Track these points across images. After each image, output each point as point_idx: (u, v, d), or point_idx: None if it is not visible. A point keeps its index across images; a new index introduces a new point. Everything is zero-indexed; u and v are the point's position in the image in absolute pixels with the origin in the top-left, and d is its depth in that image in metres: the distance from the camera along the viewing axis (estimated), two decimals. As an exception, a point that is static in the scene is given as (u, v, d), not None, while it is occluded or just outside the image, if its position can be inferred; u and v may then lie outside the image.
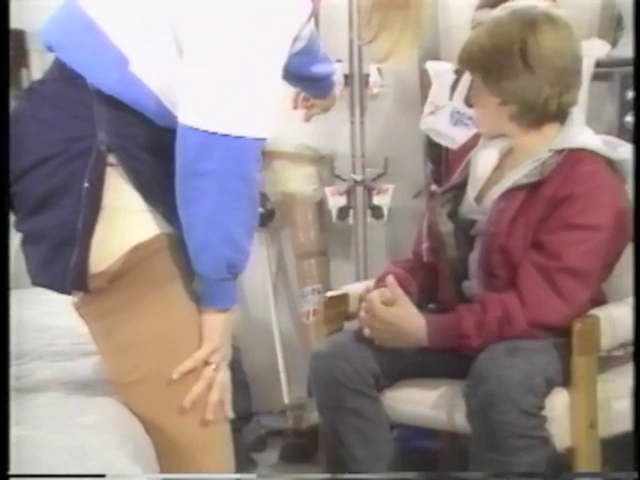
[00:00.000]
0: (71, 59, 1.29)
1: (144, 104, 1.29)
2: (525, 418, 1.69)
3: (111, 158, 1.29)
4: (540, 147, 1.88)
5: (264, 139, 1.26)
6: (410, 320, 1.82)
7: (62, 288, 1.33)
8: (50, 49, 1.34)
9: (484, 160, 1.94)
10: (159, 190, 1.31)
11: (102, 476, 1.23)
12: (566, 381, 1.80)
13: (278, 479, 1.43)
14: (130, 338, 1.33)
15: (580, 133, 1.89)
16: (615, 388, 1.83)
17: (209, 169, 1.23)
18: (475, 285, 1.88)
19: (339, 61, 3.00)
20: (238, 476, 1.42)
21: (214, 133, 1.21)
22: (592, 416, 1.80)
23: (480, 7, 2.88)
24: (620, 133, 2.68)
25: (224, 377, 1.37)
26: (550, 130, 1.90)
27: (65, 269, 1.29)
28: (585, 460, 1.80)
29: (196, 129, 1.22)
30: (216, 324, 1.34)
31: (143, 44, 1.28)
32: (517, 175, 1.86)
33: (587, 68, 2.66)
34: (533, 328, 1.79)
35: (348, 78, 3.01)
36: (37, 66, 2.97)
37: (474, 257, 1.89)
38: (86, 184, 1.27)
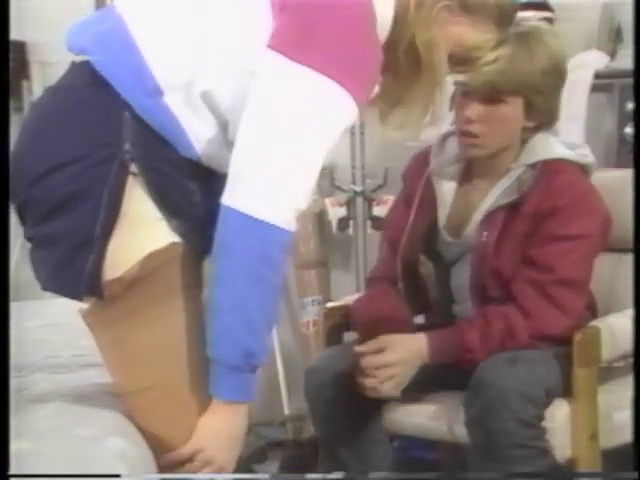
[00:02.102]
0: (109, 74, 1.29)
1: (172, 134, 1.31)
2: (524, 428, 1.69)
3: (133, 167, 1.29)
4: (506, 163, 1.86)
5: (294, 232, 1.28)
6: (411, 347, 1.80)
7: (75, 293, 1.31)
8: (82, 53, 1.32)
9: (448, 188, 1.91)
10: (177, 203, 1.32)
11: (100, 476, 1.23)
12: (567, 392, 1.80)
13: (279, 479, 1.42)
14: (139, 347, 1.32)
15: (548, 143, 1.88)
16: (616, 399, 1.83)
17: (241, 252, 1.24)
18: (469, 307, 1.88)
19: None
20: (239, 476, 1.41)
21: (252, 217, 1.24)
22: (593, 427, 1.80)
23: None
24: (620, 144, 2.70)
25: (204, 472, 1.33)
26: (515, 146, 1.87)
27: (80, 274, 1.28)
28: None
29: (236, 211, 1.24)
30: (212, 422, 1.31)
31: (180, 82, 1.29)
32: (495, 196, 1.85)
33: (586, 79, 2.67)
34: (535, 340, 1.79)
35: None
36: (38, 78, 2.98)
37: (460, 283, 1.88)
38: (107, 190, 1.27)
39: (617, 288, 1.97)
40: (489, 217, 1.84)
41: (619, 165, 2.48)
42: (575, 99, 2.69)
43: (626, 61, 2.51)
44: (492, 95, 1.78)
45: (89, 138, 1.28)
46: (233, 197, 1.26)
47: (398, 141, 2.00)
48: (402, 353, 1.80)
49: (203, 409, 1.36)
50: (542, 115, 1.85)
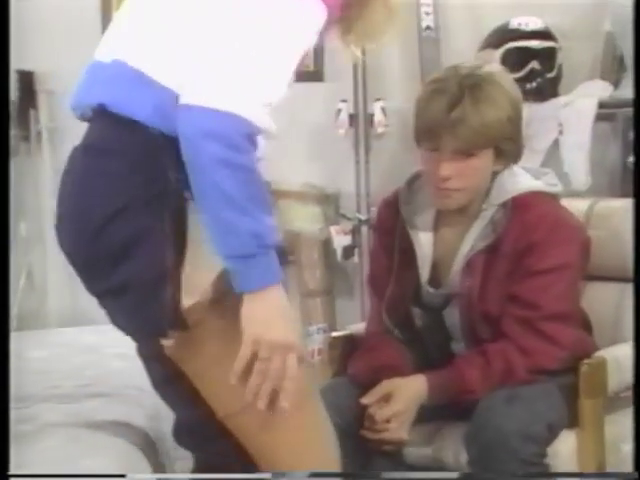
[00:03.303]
0: (131, 110, 1.30)
1: None
2: (526, 467, 1.67)
3: (187, 194, 1.29)
4: (477, 204, 1.83)
5: (259, 128, 1.27)
6: (413, 390, 1.80)
7: (160, 331, 1.29)
8: (102, 108, 1.32)
9: (425, 239, 1.88)
10: None
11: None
12: (572, 423, 1.78)
13: (281, 479, 1.40)
14: (230, 368, 1.30)
15: (515, 178, 1.85)
16: (623, 430, 1.82)
17: (208, 146, 1.23)
18: (464, 348, 1.87)
19: (344, 101, 3.04)
20: (242, 476, 1.39)
21: (214, 109, 1.23)
22: (600, 458, 1.79)
23: (483, 47, 2.91)
24: (624, 174, 2.70)
25: (279, 365, 1.27)
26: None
27: (160, 310, 1.27)
28: (593, 503, 1.78)
29: (198, 106, 1.23)
30: (252, 310, 1.27)
31: (185, 74, 1.30)
32: (471, 241, 1.83)
33: (590, 109, 2.69)
34: (533, 375, 1.78)
35: (353, 118, 3.03)
36: (45, 107, 3.00)
37: (453, 323, 1.86)
38: (170, 222, 1.28)
39: (622, 318, 1.96)
40: (469, 263, 1.82)
41: (623, 194, 2.48)
42: (579, 128, 2.70)
43: (629, 91, 2.52)
44: (464, 151, 1.77)
45: (134, 180, 1.29)
46: (194, 95, 1.24)
47: (403, 169, 2.02)
48: (408, 398, 1.79)
49: (302, 418, 1.36)
50: (511, 157, 1.84)
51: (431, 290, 1.88)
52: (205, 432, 1.41)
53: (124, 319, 1.33)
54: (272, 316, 1.27)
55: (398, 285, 1.91)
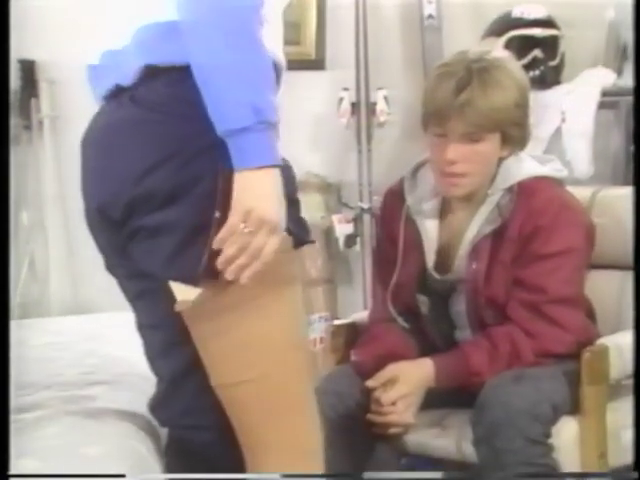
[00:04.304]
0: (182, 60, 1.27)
1: None
2: (531, 446, 1.68)
3: None
4: (482, 190, 1.84)
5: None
6: (420, 373, 1.81)
7: (193, 278, 1.28)
8: (149, 68, 1.30)
9: (431, 226, 1.89)
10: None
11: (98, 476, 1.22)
12: (575, 410, 1.79)
13: (283, 478, 1.40)
14: (247, 336, 1.31)
15: (520, 164, 1.86)
16: (625, 417, 1.82)
17: (207, 15, 1.22)
18: (468, 334, 1.87)
19: (346, 90, 3.03)
20: (245, 476, 1.40)
21: None
22: (602, 446, 1.79)
23: (486, 35, 2.91)
24: (627, 162, 2.70)
25: (261, 243, 1.24)
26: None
27: (198, 258, 1.26)
28: (595, 490, 1.79)
29: None
30: (247, 183, 1.23)
31: None
32: (477, 226, 1.84)
33: (593, 97, 2.68)
34: (540, 358, 1.79)
35: (355, 106, 3.03)
36: (46, 96, 3.00)
37: (458, 310, 1.87)
38: (221, 175, 1.26)
39: (625, 306, 1.96)
40: (475, 248, 1.83)
41: (626, 183, 2.48)
42: (582, 116, 2.70)
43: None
44: (471, 135, 1.78)
45: (183, 130, 1.27)
46: None
47: (405, 158, 2.02)
48: (414, 380, 1.80)
49: (303, 405, 1.36)
50: (517, 144, 1.84)
51: (437, 276, 1.88)
52: (186, 405, 1.40)
53: (159, 260, 1.30)
54: (266, 193, 1.24)
55: (404, 272, 1.91)
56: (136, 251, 1.33)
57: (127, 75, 1.33)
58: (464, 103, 1.74)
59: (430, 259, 1.89)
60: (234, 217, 1.24)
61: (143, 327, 1.47)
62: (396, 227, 1.93)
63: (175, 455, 1.49)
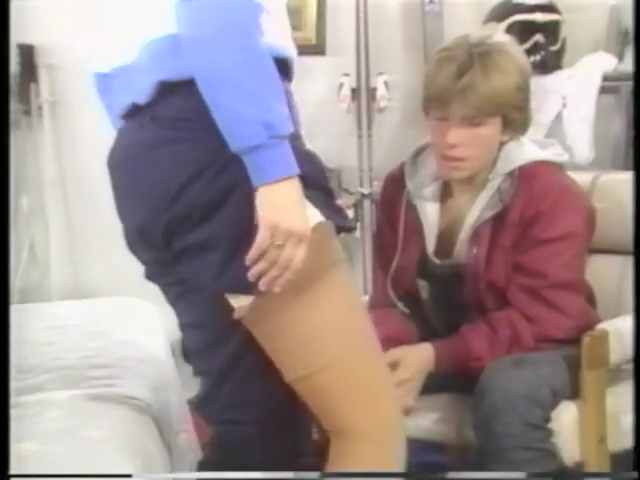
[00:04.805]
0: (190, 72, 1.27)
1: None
2: (530, 430, 1.68)
3: None
4: (483, 175, 1.83)
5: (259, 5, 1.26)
6: (420, 357, 1.80)
7: (243, 288, 1.30)
8: (165, 83, 1.31)
9: (432, 211, 1.89)
10: (313, 175, 1.32)
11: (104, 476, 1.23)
12: (574, 394, 1.79)
13: (285, 478, 1.40)
14: (310, 327, 1.32)
15: (521, 148, 1.86)
16: (625, 402, 1.82)
17: (213, 33, 1.22)
18: (469, 320, 1.87)
19: (346, 75, 3.02)
20: (249, 475, 1.40)
21: None
22: (601, 431, 1.79)
23: (487, 20, 2.90)
24: (628, 147, 2.69)
25: (291, 254, 1.26)
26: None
27: (245, 268, 1.28)
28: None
29: None
30: (269, 199, 1.24)
31: None
32: (478, 210, 1.83)
33: (594, 81, 2.67)
34: (540, 343, 1.79)
35: (355, 92, 3.02)
36: (46, 81, 2.99)
37: (458, 296, 1.87)
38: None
39: (625, 291, 1.96)
40: (476, 232, 1.83)
41: (627, 168, 2.47)
42: (583, 101, 2.69)
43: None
44: (472, 119, 1.77)
45: (208, 144, 1.27)
46: None
47: (405, 143, 2.02)
48: (415, 365, 1.80)
49: (380, 382, 1.38)
50: (518, 128, 1.84)
51: (437, 261, 1.88)
52: (229, 400, 1.41)
53: (209, 275, 1.31)
54: (288, 205, 1.26)
55: (404, 257, 1.91)
56: (184, 267, 1.34)
57: (142, 93, 1.32)
58: (465, 87, 1.74)
59: (430, 244, 1.89)
60: (262, 233, 1.25)
61: (184, 327, 1.47)
62: (397, 212, 1.93)
63: (217, 451, 1.49)
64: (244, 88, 1.22)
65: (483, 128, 1.78)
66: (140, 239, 1.37)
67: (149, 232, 1.34)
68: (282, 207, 1.25)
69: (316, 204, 1.32)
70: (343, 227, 1.38)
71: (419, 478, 1.88)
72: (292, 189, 1.26)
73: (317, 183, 1.34)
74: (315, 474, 1.39)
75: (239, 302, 1.31)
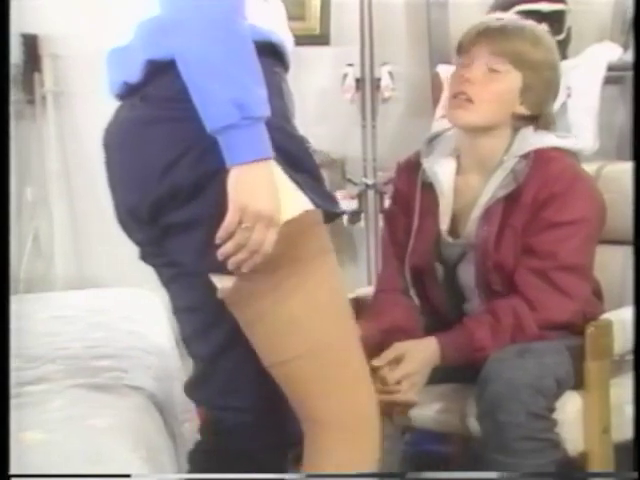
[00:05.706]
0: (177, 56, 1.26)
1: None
2: (534, 420, 1.68)
3: None
4: (497, 155, 1.85)
5: None
6: (425, 352, 1.80)
7: (225, 268, 1.29)
8: (155, 63, 1.30)
9: (447, 186, 1.89)
10: (299, 157, 1.32)
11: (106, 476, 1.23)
12: (578, 385, 1.79)
13: (285, 477, 1.41)
14: (291, 313, 1.32)
15: (536, 134, 1.88)
16: (629, 393, 1.82)
17: (187, 13, 1.21)
18: (476, 305, 1.88)
19: (350, 65, 3.01)
20: (251, 476, 1.41)
21: None
22: (605, 421, 1.80)
23: (492, 10, 2.88)
24: (632, 136, 2.67)
25: (260, 237, 1.25)
26: (505, 137, 1.87)
27: None
28: (598, 465, 1.79)
29: None
30: (239, 180, 1.23)
31: None
32: (492, 189, 1.84)
33: (599, 71, 2.66)
34: (544, 330, 1.79)
35: (359, 82, 3.01)
36: (49, 71, 2.98)
37: (467, 280, 1.88)
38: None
39: (629, 281, 1.95)
40: (487, 211, 1.83)
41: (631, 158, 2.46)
42: (588, 91, 2.68)
43: (639, 53, 2.49)
44: (494, 65, 1.81)
45: (197, 124, 1.26)
46: None
47: (410, 134, 2.02)
48: (420, 360, 1.80)
49: (355, 374, 1.37)
50: (535, 105, 1.85)
51: (450, 240, 1.88)
52: (222, 386, 1.41)
53: (192, 254, 1.31)
54: (259, 187, 1.24)
55: (420, 238, 1.91)
56: (171, 245, 1.34)
57: (134, 72, 1.33)
58: (502, 27, 1.80)
59: (444, 222, 1.89)
60: (230, 215, 1.24)
61: (178, 310, 1.47)
62: (411, 195, 1.94)
63: (209, 436, 1.49)
64: (219, 68, 1.21)
65: (501, 81, 1.82)
66: (131, 218, 1.37)
67: (138, 210, 1.34)
68: (252, 189, 1.24)
69: (304, 190, 1.31)
70: (334, 213, 1.37)
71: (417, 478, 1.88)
72: (264, 172, 1.24)
73: (305, 167, 1.33)
74: (300, 475, 1.39)
75: (222, 282, 1.31)
